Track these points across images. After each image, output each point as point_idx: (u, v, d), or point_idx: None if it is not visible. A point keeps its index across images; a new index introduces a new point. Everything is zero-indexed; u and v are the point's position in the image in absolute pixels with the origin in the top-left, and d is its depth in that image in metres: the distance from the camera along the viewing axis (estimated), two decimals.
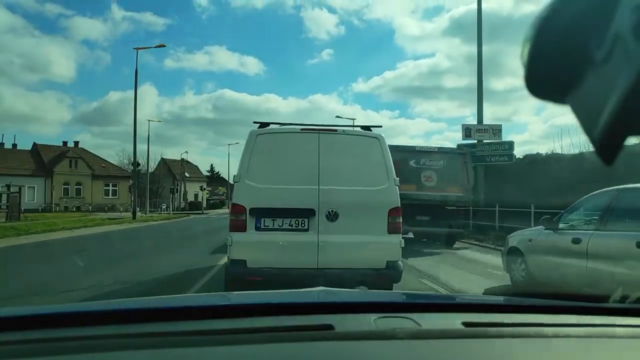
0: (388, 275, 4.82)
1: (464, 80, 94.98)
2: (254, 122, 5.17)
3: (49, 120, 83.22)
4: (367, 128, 5.34)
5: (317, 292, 1.66)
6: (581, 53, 0.44)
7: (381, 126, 5.33)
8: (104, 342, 0.99)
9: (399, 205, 4.95)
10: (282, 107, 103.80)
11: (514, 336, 1.11)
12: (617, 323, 1.23)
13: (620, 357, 1.07)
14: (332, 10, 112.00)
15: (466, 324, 1.13)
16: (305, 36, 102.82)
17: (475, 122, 17.88)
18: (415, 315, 1.16)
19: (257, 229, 4.78)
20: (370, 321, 1.12)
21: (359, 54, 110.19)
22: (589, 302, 1.42)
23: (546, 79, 0.49)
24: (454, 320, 1.15)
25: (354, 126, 6.61)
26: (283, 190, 4.81)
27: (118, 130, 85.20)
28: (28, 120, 75.75)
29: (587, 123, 0.45)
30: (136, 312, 1.21)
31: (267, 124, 5.18)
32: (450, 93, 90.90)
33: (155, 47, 36.13)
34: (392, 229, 4.87)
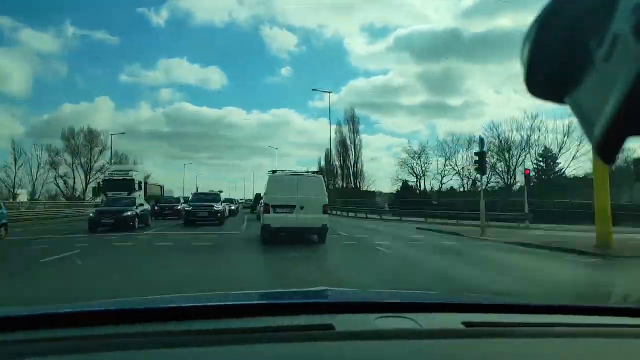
0: (322, 229, 12.85)
1: (418, 97, 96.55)
2: (270, 171, 13.99)
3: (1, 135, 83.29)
4: (316, 173, 16.06)
5: (318, 292, 1.66)
6: (581, 53, 0.44)
7: (321, 173, 22.26)
8: (104, 342, 0.99)
9: (327, 203, 13.27)
10: (244, 120, 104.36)
11: (514, 336, 1.11)
12: (618, 323, 1.23)
13: (621, 356, 1.07)
14: (289, 29, 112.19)
15: (467, 324, 1.13)
16: (265, 53, 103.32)
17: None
18: (415, 315, 1.16)
19: (274, 212, 12.70)
20: (371, 321, 1.12)
21: (316, 71, 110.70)
22: (589, 302, 1.41)
23: (546, 79, 0.49)
24: (455, 321, 1.15)
25: (312, 171, 15.77)
26: (283, 198, 12.71)
27: (74, 143, 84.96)
28: None
29: (587, 123, 0.45)
30: (136, 312, 1.21)
31: (276, 171, 13.82)
32: (408, 110, 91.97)
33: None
34: (324, 212, 12.96)
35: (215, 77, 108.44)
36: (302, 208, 12.57)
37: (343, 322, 1.12)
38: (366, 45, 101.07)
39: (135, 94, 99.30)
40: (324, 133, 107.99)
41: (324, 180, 13.57)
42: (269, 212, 12.67)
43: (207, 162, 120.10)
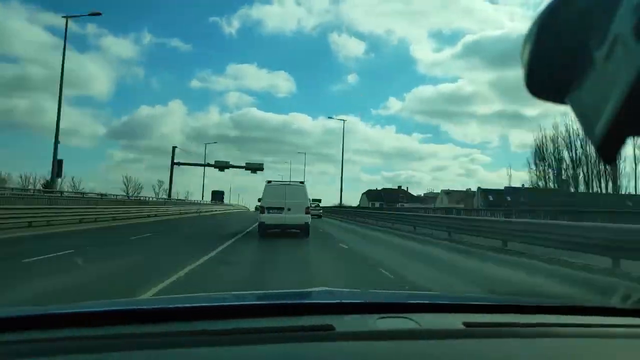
0: (305, 226, 16.57)
1: (491, 106, 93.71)
2: (267, 181, 18.20)
3: (86, 134, 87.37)
4: (301, 182, 18.93)
5: (318, 293, 1.66)
6: (581, 53, 0.44)
7: (304, 181, 20.18)
8: (104, 342, 0.99)
9: (309, 205, 17.80)
10: (309, 126, 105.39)
11: (514, 336, 1.11)
12: (617, 323, 1.23)
13: (620, 357, 1.07)
14: (357, 35, 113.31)
15: (467, 324, 1.13)
16: (332, 60, 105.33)
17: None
18: (415, 316, 1.16)
19: (268, 212, 16.43)
20: (371, 321, 1.12)
21: (381, 78, 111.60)
22: (589, 302, 1.41)
23: (546, 79, 0.49)
24: (455, 321, 1.15)
25: (299, 181, 19.96)
26: (275, 202, 16.48)
27: (148, 144, 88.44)
28: (68, 134, 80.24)
29: (587, 123, 0.45)
30: (136, 312, 1.21)
31: (270, 181, 18.03)
32: (480, 119, 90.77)
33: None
34: (306, 213, 16.79)
35: (282, 83, 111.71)
36: (289, 209, 16.43)
37: (343, 322, 1.12)
38: (434, 52, 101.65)
39: (205, 98, 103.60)
40: (389, 141, 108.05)
41: (307, 188, 18.11)
42: (264, 212, 16.61)
43: (273, 166, 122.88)
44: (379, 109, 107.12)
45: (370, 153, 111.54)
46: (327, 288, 1.75)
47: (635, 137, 0.44)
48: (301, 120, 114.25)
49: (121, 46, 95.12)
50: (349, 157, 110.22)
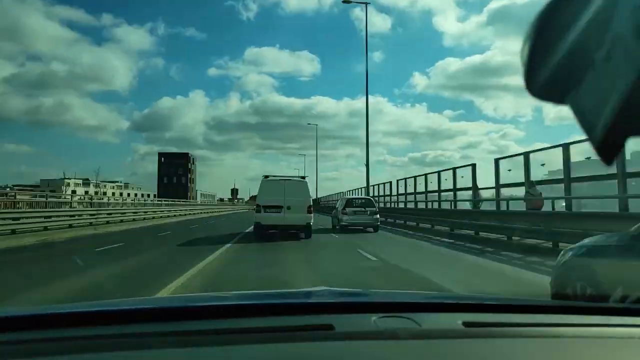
0: (307, 227, 14.57)
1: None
2: (264, 176, 15.28)
3: (112, 129, 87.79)
4: (302, 177, 16.09)
5: (318, 292, 1.66)
6: (581, 53, 0.44)
7: (306, 176, 17.19)
8: (104, 342, 0.99)
9: (311, 204, 15.07)
10: (333, 109, 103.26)
11: (514, 336, 1.10)
12: (617, 323, 1.22)
13: (621, 357, 1.07)
14: (380, 9, 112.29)
15: (466, 324, 1.13)
16: (356, 38, 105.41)
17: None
18: (415, 315, 1.16)
19: (264, 212, 14.50)
20: (371, 321, 1.12)
21: (406, 53, 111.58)
22: (589, 302, 1.41)
23: (546, 78, 0.49)
24: (455, 320, 1.15)
25: (299, 176, 16.52)
26: (272, 199, 14.47)
27: (170, 136, 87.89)
28: (96, 130, 79.77)
29: (587, 123, 0.45)
30: (136, 312, 1.21)
31: (267, 176, 15.30)
32: (514, 91, 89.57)
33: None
34: (308, 212, 14.66)
35: (305, 65, 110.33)
36: (288, 208, 14.48)
37: (343, 322, 1.12)
38: (460, 22, 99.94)
39: (225, 86, 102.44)
40: (418, 120, 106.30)
41: (308, 184, 15.66)
42: (260, 212, 14.63)
43: (297, 153, 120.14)
44: (406, 87, 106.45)
45: (397, 134, 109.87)
46: (327, 287, 1.75)
47: (636, 138, 0.44)
48: (324, 103, 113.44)
49: (138, 36, 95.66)
50: (376, 139, 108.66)
